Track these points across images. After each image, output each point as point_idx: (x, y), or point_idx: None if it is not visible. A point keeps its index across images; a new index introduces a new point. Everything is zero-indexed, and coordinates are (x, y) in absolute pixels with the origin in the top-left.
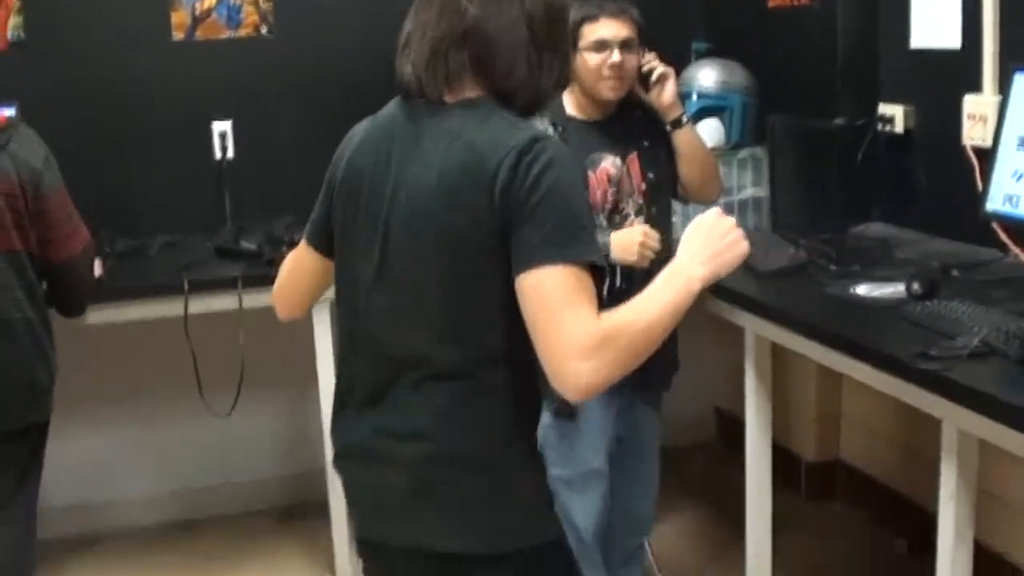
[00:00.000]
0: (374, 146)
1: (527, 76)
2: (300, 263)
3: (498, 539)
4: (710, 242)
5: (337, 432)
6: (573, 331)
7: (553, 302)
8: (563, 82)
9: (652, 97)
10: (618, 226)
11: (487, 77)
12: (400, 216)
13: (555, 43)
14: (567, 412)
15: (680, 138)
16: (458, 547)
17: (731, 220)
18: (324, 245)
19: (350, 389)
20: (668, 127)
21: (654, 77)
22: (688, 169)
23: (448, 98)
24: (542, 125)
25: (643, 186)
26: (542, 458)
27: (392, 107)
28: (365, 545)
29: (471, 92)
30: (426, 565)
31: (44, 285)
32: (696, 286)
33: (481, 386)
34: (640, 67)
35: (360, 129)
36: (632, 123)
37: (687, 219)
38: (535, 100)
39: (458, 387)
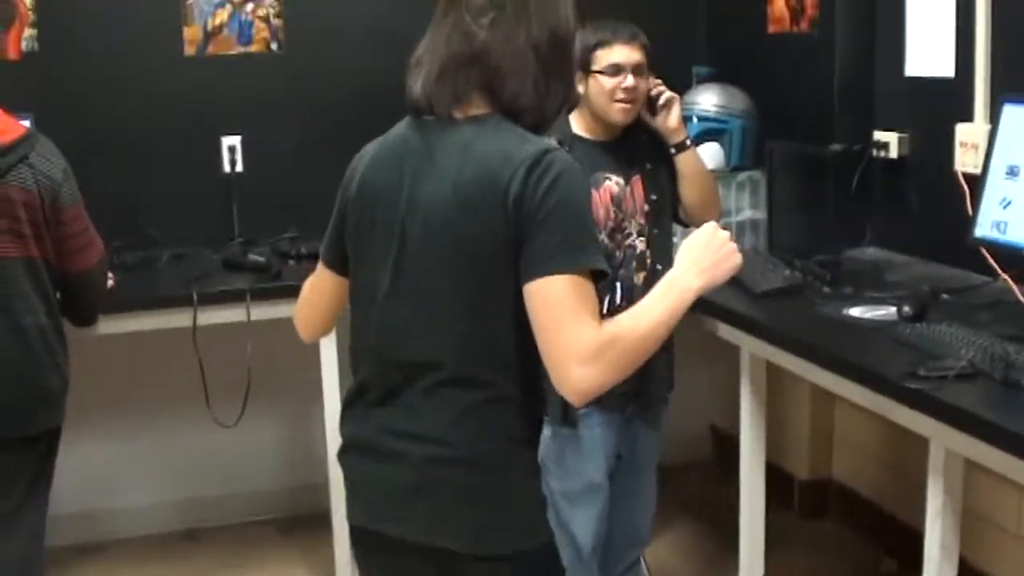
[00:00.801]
0: (386, 163)
1: (533, 99)
2: (319, 284)
3: (495, 541)
4: (705, 254)
5: (345, 427)
6: (577, 338)
7: (559, 310)
8: (568, 106)
9: (658, 121)
10: (619, 244)
11: (495, 97)
12: (416, 228)
13: (560, 70)
14: (570, 421)
15: (683, 161)
16: (455, 545)
17: (725, 234)
18: (340, 265)
19: (362, 390)
20: (672, 150)
21: (661, 101)
22: (689, 192)
23: (457, 114)
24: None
25: (646, 207)
26: (541, 466)
27: (402, 127)
28: (361, 533)
29: (479, 109)
30: (420, 559)
31: (58, 295)
32: (691, 296)
33: (492, 394)
34: (648, 91)
35: (371, 148)
36: (637, 145)
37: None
38: (540, 121)
39: (469, 394)
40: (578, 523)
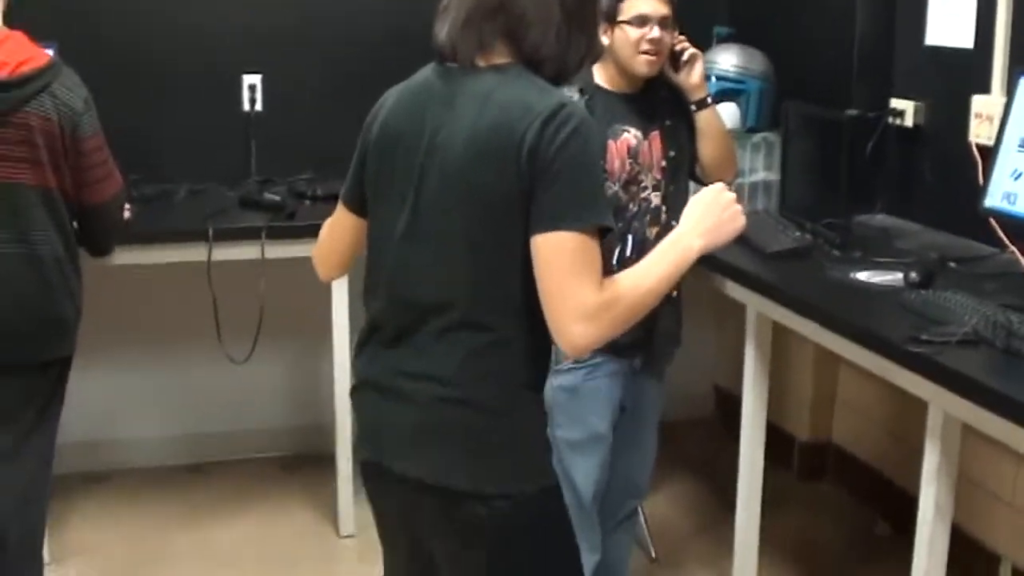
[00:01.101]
0: (408, 108)
1: (555, 50)
2: (339, 224)
3: (497, 481)
4: (709, 214)
5: (357, 365)
6: (577, 297)
7: (563, 266)
8: (590, 60)
9: (681, 77)
10: (633, 196)
11: (517, 47)
12: (433, 172)
13: (584, 22)
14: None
15: (703, 118)
16: (459, 484)
17: (731, 195)
18: (359, 206)
19: (374, 328)
20: (693, 107)
21: (685, 57)
22: (707, 149)
23: (480, 62)
24: (570, 91)
25: (663, 163)
26: (546, 412)
27: (426, 71)
28: (371, 468)
29: (501, 59)
30: (426, 496)
31: (75, 225)
32: (693, 255)
33: (501, 337)
34: (672, 46)
35: (394, 92)
36: (657, 100)
37: None
38: (561, 72)
39: (479, 337)
40: (580, 471)
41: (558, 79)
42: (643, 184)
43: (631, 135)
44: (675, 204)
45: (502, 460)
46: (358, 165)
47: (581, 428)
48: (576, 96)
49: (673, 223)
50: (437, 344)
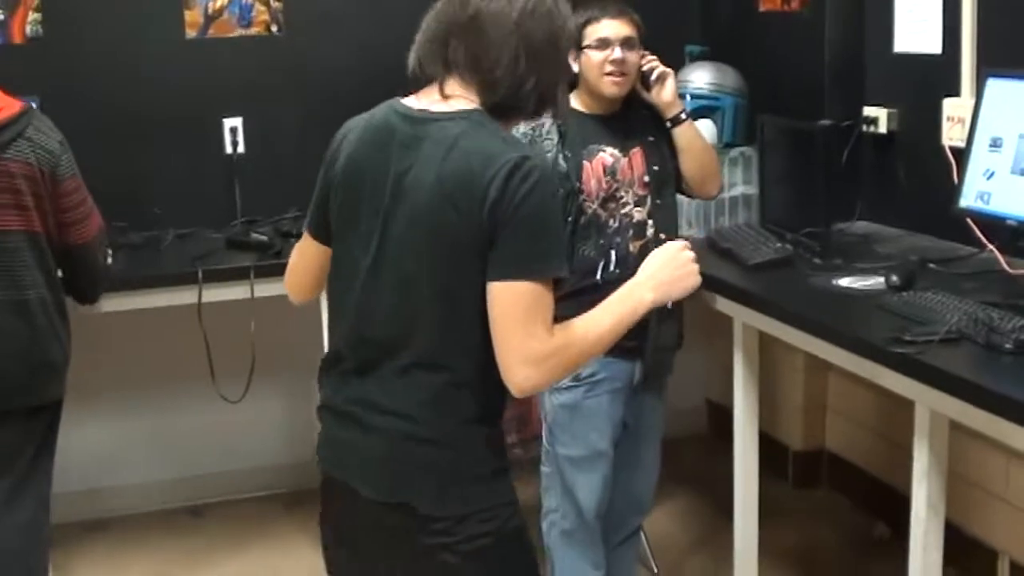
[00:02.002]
0: (372, 145)
1: (509, 75)
2: (307, 251)
3: (451, 504)
4: (665, 269)
5: (323, 390)
6: (525, 344)
7: (516, 314)
8: (544, 106)
9: (653, 95)
10: (613, 213)
11: (476, 67)
12: (399, 212)
13: (543, 57)
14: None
15: (680, 135)
16: (417, 505)
17: (690, 254)
18: (324, 235)
19: (338, 358)
20: (669, 124)
21: (653, 76)
22: (688, 164)
23: (445, 92)
24: (545, 116)
25: (646, 178)
26: (501, 439)
27: (385, 111)
28: (336, 484)
29: (464, 91)
30: (384, 512)
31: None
32: (642, 308)
33: (458, 378)
34: (641, 66)
35: (356, 127)
36: (637, 119)
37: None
38: (515, 104)
39: (437, 376)
40: (582, 488)
41: (511, 115)
42: (623, 200)
43: (607, 154)
44: (662, 218)
45: (455, 487)
46: (322, 195)
47: (582, 445)
48: (547, 122)
49: (662, 236)
50: (400, 380)
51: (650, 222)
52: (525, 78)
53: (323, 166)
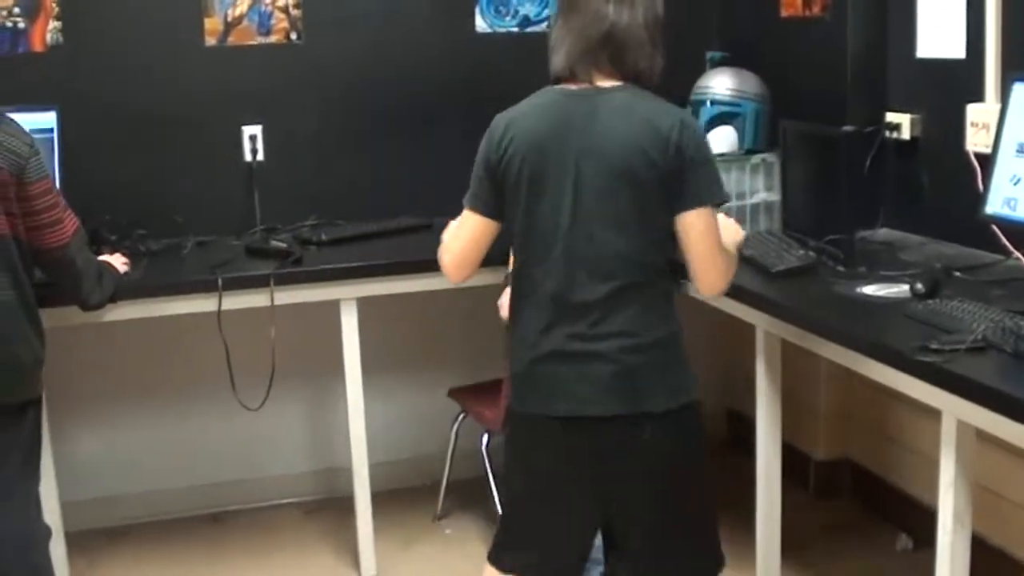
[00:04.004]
0: (548, 121)
1: (648, 64)
2: (475, 229)
3: (676, 397)
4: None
5: (544, 342)
6: (719, 261)
7: (709, 236)
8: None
9: None
10: None
11: (620, 67)
12: (591, 166)
13: (659, 40)
14: None
15: None
16: (649, 407)
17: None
18: (495, 211)
19: (557, 305)
20: None
21: None
22: None
23: (600, 83)
24: None
25: None
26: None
27: (548, 95)
28: (556, 423)
29: (611, 79)
30: (616, 426)
31: (43, 275)
32: (739, 238)
33: (657, 290)
34: None
35: (517, 115)
36: None
37: None
38: (653, 82)
39: (643, 294)
40: None
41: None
42: None
43: None
44: None
45: (676, 382)
46: (488, 176)
47: None
48: None
49: None
50: (613, 304)
51: None
52: (655, 57)
53: (484, 154)
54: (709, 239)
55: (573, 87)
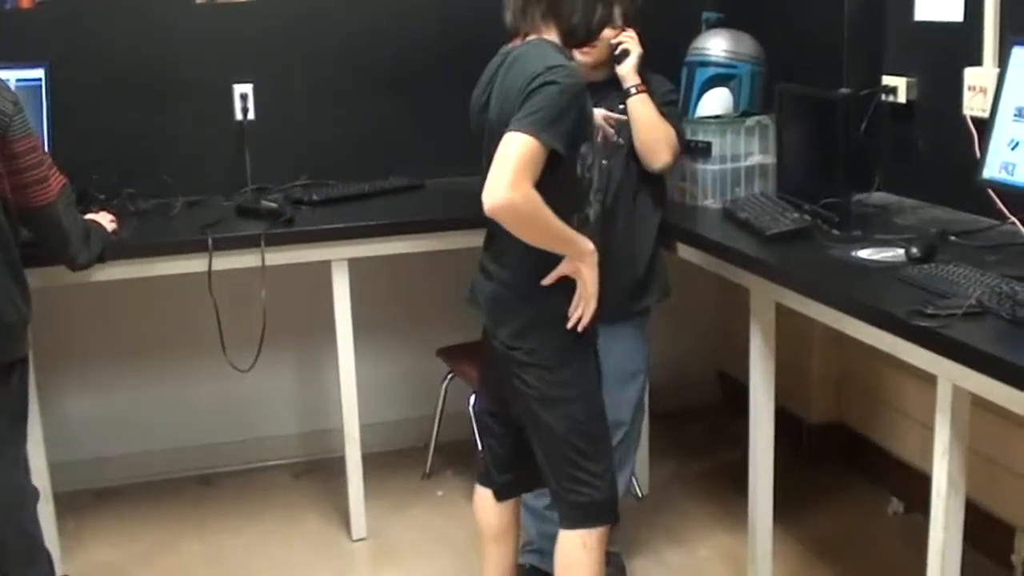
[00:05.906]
0: (481, 86)
1: (582, 17)
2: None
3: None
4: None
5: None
6: (503, 174)
7: (506, 153)
8: (602, 25)
9: (618, 69)
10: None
11: (557, 20)
12: (490, 125)
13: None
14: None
15: (631, 105)
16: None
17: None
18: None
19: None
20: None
21: (617, 52)
22: (636, 133)
23: (531, 37)
24: None
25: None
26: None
27: (495, 56)
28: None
29: (547, 32)
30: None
31: (30, 234)
32: (576, 255)
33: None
34: (611, 43)
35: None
36: (615, 92)
37: None
38: (588, 35)
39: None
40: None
41: (588, 39)
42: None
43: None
44: (606, 179)
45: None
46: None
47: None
48: None
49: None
50: (504, 239)
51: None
52: (590, 14)
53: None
54: (502, 157)
55: (508, 45)
